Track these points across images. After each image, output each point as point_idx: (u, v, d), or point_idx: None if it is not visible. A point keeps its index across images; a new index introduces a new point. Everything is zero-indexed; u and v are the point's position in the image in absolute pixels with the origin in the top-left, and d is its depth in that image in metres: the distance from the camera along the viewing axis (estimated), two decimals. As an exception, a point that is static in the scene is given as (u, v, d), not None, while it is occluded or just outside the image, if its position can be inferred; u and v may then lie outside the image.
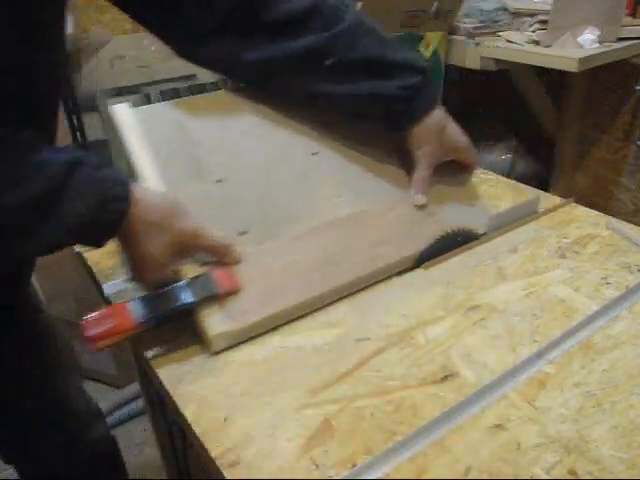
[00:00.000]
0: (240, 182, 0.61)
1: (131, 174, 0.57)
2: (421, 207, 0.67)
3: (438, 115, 0.65)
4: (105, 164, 0.49)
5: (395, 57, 0.62)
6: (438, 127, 0.65)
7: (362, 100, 0.63)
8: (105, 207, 0.48)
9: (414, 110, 0.64)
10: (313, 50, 0.60)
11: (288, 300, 0.56)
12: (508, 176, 0.91)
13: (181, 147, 0.60)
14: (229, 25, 0.59)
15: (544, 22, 1.47)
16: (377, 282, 0.62)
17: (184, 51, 0.62)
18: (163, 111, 0.61)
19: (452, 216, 0.69)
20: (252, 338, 0.54)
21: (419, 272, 0.64)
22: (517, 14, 1.59)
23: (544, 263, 0.65)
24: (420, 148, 0.66)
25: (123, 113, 0.59)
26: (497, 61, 1.52)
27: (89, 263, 0.69)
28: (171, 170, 0.58)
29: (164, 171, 0.57)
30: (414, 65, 0.63)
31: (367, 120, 0.67)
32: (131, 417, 1.45)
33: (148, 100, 1.81)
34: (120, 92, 1.80)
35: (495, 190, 0.84)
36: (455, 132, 0.67)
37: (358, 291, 0.61)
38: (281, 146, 0.64)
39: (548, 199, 0.79)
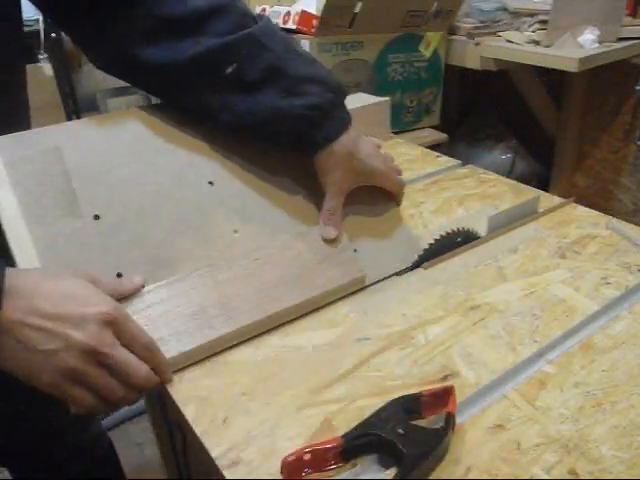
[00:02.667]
0: (121, 218, 0.54)
1: None
2: (332, 241, 0.60)
3: (348, 138, 0.58)
4: None
5: (306, 71, 0.56)
6: (347, 152, 0.58)
7: (264, 118, 0.56)
8: None
9: (320, 134, 0.56)
10: (213, 53, 0.53)
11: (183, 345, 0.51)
12: (508, 176, 0.91)
13: (55, 179, 0.53)
14: (118, 21, 0.54)
15: (544, 22, 1.47)
16: (377, 282, 0.62)
17: (89, 55, 0.59)
18: (41, 138, 0.54)
19: (368, 252, 0.62)
20: (252, 338, 0.54)
21: (419, 272, 0.64)
22: (517, 14, 1.59)
23: (544, 263, 0.65)
24: (327, 176, 0.59)
25: None
26: (497, 61, 1.52)
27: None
28: (37, 206, 0.51)
29: (29, 208, 0.51)
30: (325, 81, 0.56)
31: (271, 142, 0.60)
32: (131, 417, 1.46)
33: (148, 100, 1.81)
34: (120, 92, 1.80)
35: (495, 190, 0.84)
36: (369, 156, 0.60)
37: (358, 291, 0.61)
38: (173, 174, 0.57)
39: (548, 199, 0.79)
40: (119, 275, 0.52)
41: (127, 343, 0.45)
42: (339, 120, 0.57)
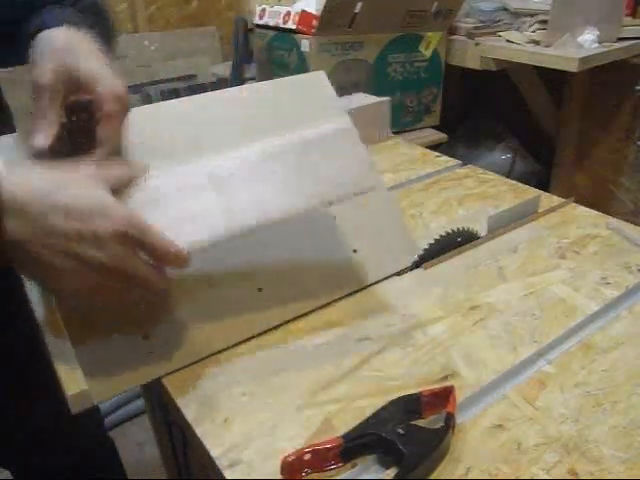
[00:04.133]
0: None
1: None
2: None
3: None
4: None
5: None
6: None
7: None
8: None
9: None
10: None
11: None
12: (508, 176, 0.91)
13: None
14: None
15: (544, 22, 1.47)
16: (377, 282, 0.62)
17: None
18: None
19: (368, 252, 0.61)
20: (252, 338, 0.54)
21: (419, 272, 0.64)
22: (517, 14, 1.59)
23: (544, 263, 0.65)
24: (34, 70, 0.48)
25: None
26: (497, 61, 1.52)
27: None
28: None
29: None
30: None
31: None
32: (131, 417, 1.45)
33: (148, 100, 1.80)
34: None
35: (495, 190, 0.84)
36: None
37: (358, 291, 0.61)
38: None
39: (548, 199, 0.79)
40: None
41: (147, 253, 0.44)
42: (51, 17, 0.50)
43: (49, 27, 0.48)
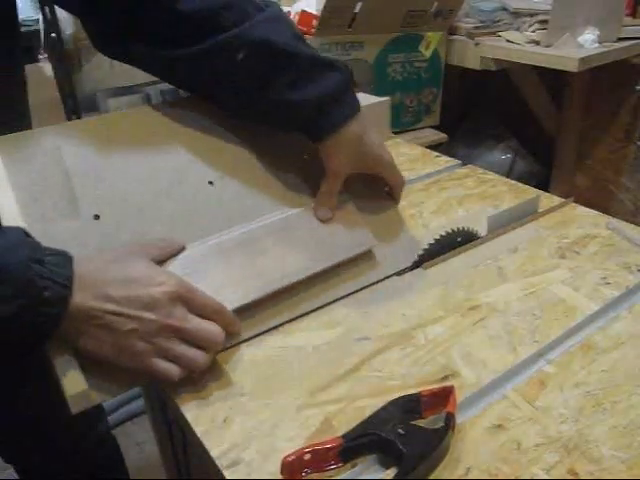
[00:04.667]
0: (121, 217, 0.54)
1: None
2: (318, 227, 0.60)
3: (357, 124, 0.57)
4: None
5: (312, 54, 0.56)
6: (356, 137, 0.57)
7: (273, 108, 0.57)
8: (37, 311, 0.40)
9: (328, 121, 0.56)
10: (220, 47, 0.54)
11: None
12: (508, 176, 0.91)
13: (54, 179, 0.53)
14: (135, 21, 0.55)
15: (544, 22, 1.48)
16: (377, 282, 0.62)
17: (100, 47, 0.59)
18: (41, 138, 0.54)
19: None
20: (252, 338, 0.54)
21: (419, 272, 0.64)
22: (517, 14, 1.59)
23: (544, 263, 0.65)
24: (330, 160, 0.58)
25: None
26: (497, 61, 1.52)
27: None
28: (38, 207, 0.51)
29: (29, 208, 0.50)
30: (332, 64, 0.56)
31: (278, 128, 0.61)
32: (131, 417, 1.45)
33: (148, 100, 1.81)
34: (120, 92, 1.80)
35: (495, 190, 0.84)
36: (373, 144, 0.59)
37: (358, 291, 0.61)
38: (173, 174, 0.57)
39: (548, 199, 0.79)
40: None
41: (197, 312, 0.47)
42: (347, 106, 0.57)
43: (343, 118, 0.56)
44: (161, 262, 0.51)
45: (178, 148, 0.59)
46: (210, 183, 0.59)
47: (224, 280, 0.53)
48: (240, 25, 0.54)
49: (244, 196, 0.60)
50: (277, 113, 0.58)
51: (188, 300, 0.47)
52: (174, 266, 0.52)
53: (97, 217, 0.53)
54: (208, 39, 0.54)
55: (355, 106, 0.58)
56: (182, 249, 0.53)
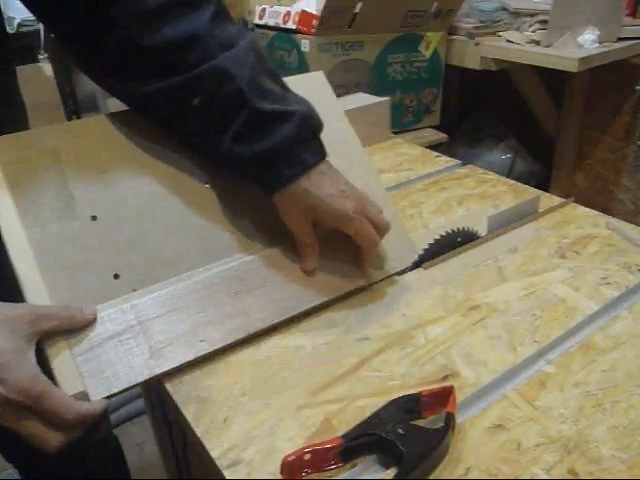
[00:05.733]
0: (118, 219, 0.54)
1: None
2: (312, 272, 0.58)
3: (307, 179, 0.53)
4: None
5: (270, 106, 0.52)
6: (304, 192, 0.53)
7: (220, 158, 0.55)
8: None
9: (276, 177, 0.53)
10: (175, 88, 0.52)
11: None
12: (508, 176, 0.91)
13: (51, 180, 0.53)
14: (94, 50, 0.52)
15: (544, 22, 1.47)
16: (377, 282, 0.62)
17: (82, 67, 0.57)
18: (38, 139, 0.54)
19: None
20: (252, 338, 0.54)
21: (419, 272, 0.64)
22: (517, 14, 1.59)
23: (544, 263, 0.65)
24: (285, 216, 0.56)
25: None
26: (497, 61, 1.52)
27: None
28: (35, 207, 0.51)
29: (26, 209, 0.50)
30: (286, 114, 0.52)
31: (234, 175, 0.58)
32: (131, 417, 1.46)
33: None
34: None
35: (495, 190, 0.84)
36: (330, 196, 0.54)
37: (358, 291, 0.61)
38: (171, 175, 0.57)
39: (548, 199, 0.79)
40: (116, 276, 0.52)
41: (43, 415, 0.42)
42: (296, 163, 0.53)
43: (291, 175, 0.53)
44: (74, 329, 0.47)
45: (174, 149, 0.58)
46: (207, 184, 0.59)
47: (204, 319, 0.52)
48: (199, 66, 0.51)
49: (242, 197, 0.59)
50: (228, 162, 0.55)
51: (32, 407, 0.42)
52: (155, 304, 0.52)
53: (94, 218, 0.53)
54: (165, 78, 0.51)
55: (307, 162, 0.53)
56: (94, 318, 0.49)
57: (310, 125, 0.54)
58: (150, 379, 0.49)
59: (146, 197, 0.56)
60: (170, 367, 0.50)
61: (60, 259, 0.51)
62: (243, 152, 0.53)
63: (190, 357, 0.51)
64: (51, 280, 0.49)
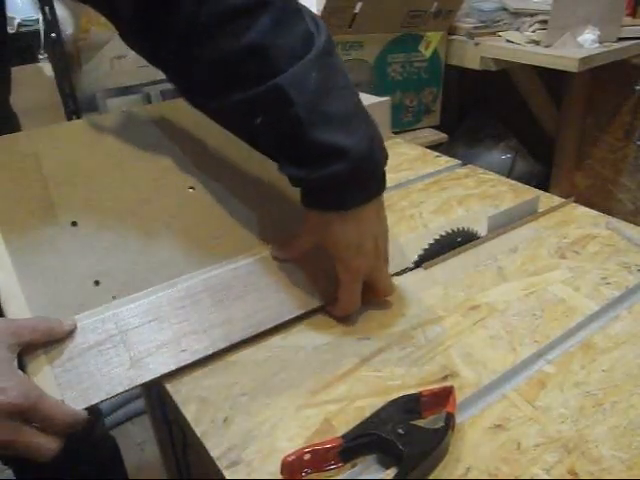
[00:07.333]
0: (99, 225, 0.53)
1: None
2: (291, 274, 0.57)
3: (338, 216, 0.51)
4: None
5: (324, 137, 0.47)
6: (325, 225, 0.52)
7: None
8: None
9: (315, 202, 0.52)
10: (238, 107, 0.49)
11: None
12: (508, 176, 0.91)
13: (32, 185, 0.52)
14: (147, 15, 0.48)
15: (544, 22, 1.47)
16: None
17: (122, 35, 0.52)
18: (19, 143, 0.53)
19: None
20: (252, 338, 0.54)
21: (419, 272, 0.64)
22: (517, 14, 1.59)
23: (544, 263, 0.65)
24: (304, 225, 0.55)
25: None
26: (497, 61, 1.52)
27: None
28: (15, 212, 0.50)
29: (6, 214, 0.50)
30: (343, 152, 0.48)
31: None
32: (131, 417, 1.46)
33: (148, 100, 1.81)
34: (120, 92, 1.80)
35: (495, 190, 0.84)
36: (347, 248, 0.52)
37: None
38: (154, 180, 0.56)
39: (548, 199, 0.79)
40: (97, 283, 0.51)
41: (40, 423, 0.43)
42: (335, 201, 0.51)
43: (324, 207, 0.51)
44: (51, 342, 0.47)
45: (158, 154, 0.58)
46: (191, 189, 0.58)
47: (187, 328, 0.51)
48: (259, 84, 0.47)
49: (226, 202, 0.58)
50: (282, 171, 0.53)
51: (30, 412, 0.42)
52: (136, 313, 0.50)
53: (75, 224, 0.52)
54: (227, 95, 0.48)
55: (345, 203, 0.51)
56: (73, 329, 0.48)
57: (364, 166, 0.49)
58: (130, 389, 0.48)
59: (127, 202, 0.55)
60: (150, 378, 0.48)
61: (39, 265, 0.50)
62: (292, 173, 0.51)
63: (172, 367, 0.49)
64: (30, 287, 0.49)
